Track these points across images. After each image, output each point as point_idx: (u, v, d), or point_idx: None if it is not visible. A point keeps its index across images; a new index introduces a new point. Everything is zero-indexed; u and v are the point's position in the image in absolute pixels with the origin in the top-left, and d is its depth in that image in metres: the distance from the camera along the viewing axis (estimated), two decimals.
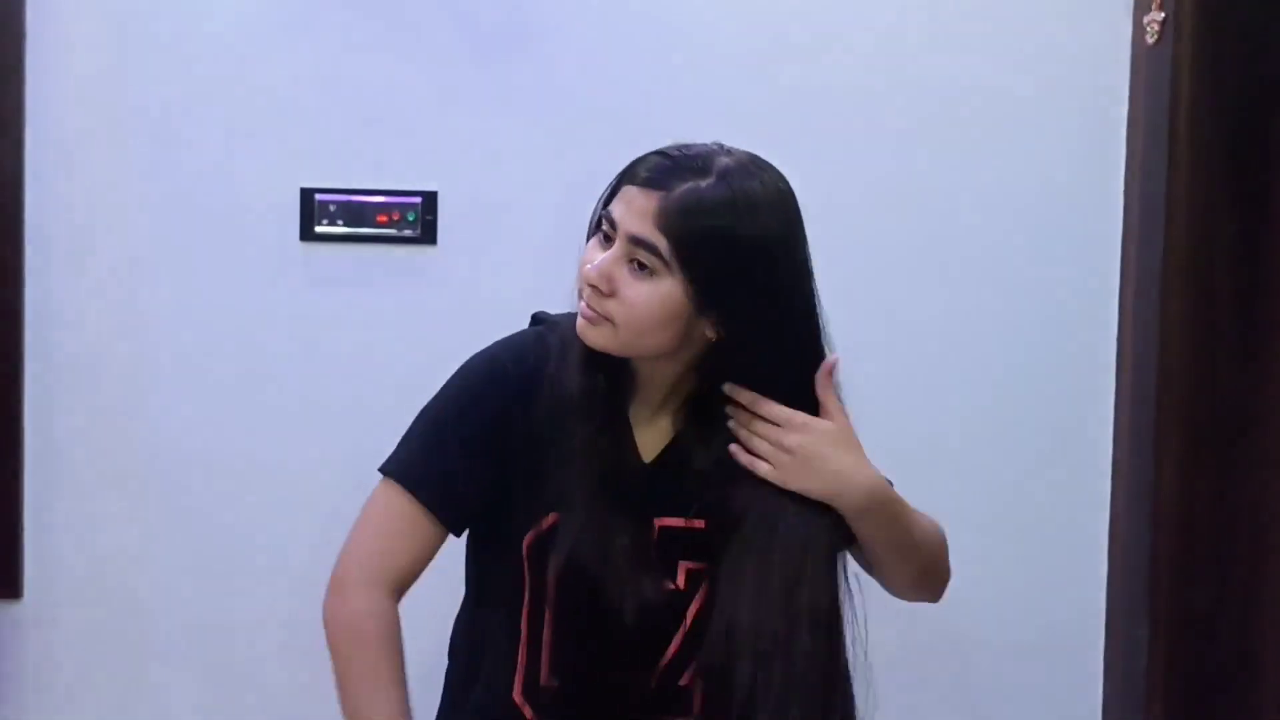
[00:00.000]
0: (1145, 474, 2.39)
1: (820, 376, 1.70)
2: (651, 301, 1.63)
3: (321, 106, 2.50)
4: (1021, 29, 2.52)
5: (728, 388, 1.70)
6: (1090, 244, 2.53)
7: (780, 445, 1.68)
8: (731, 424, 1.71)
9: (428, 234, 2.51)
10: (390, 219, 2.51)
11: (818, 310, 1.71)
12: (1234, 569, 2.35)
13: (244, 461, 2.53)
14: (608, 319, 1.66)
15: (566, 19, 2.51)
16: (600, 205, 1.69)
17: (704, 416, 1.74)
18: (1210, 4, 2.29)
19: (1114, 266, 2.52)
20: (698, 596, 1.75)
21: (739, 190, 1.61)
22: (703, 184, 1.61)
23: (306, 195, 2.50)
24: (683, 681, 1.77)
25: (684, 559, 1.74)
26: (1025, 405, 2.56)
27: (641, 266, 1.63)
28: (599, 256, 1.66)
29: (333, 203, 2.50)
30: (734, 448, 1.71)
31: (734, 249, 1.61)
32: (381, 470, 1.76)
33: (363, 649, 1.70)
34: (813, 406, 1.70)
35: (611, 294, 1.65)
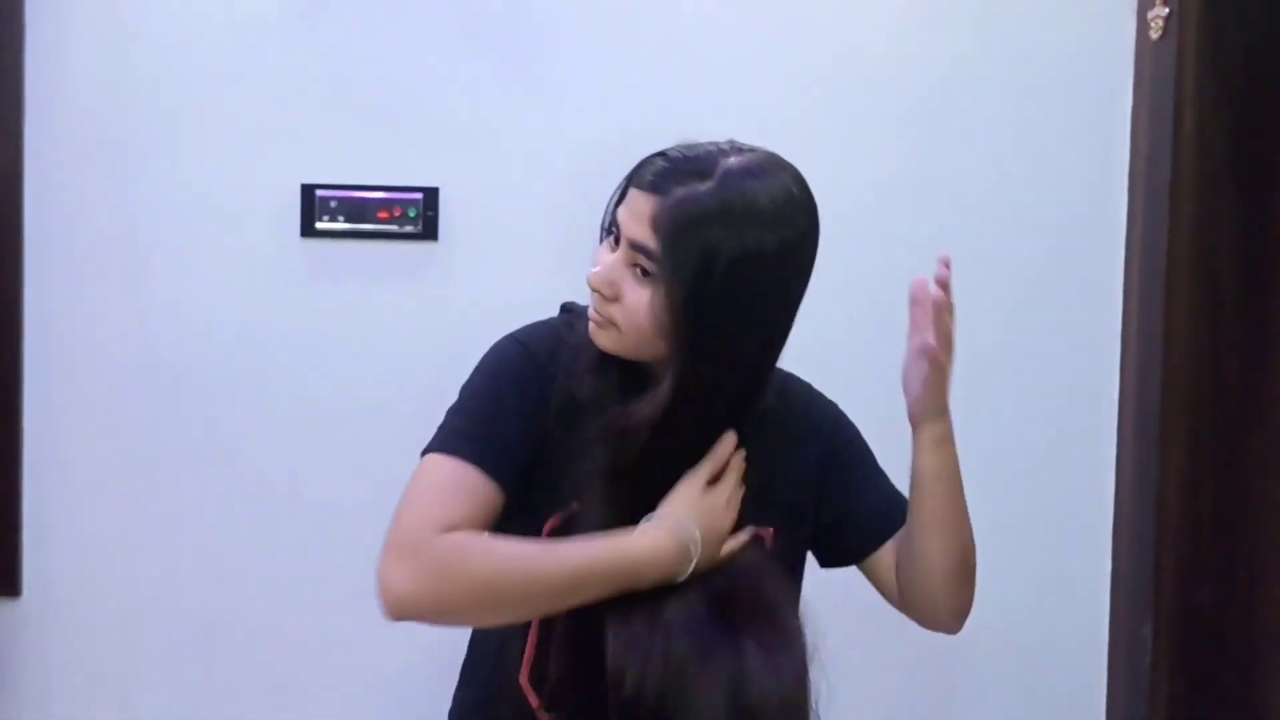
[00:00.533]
0: (1150, 472, 2.38)
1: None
2: (651, 308, 1.60)
3: (322, 102, 2.50)
4: (1026, 24, 2.51)
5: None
6: (1094, 238, 2.52)
7: None
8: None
9: (429, 230, 2.51)
10: (391, 215, 2.50)
11: (784, 335, 1.65)
12: (1238, 567, 2.35)
13: (244, 459, 2.53)
14: (613, 323, 1.64)
15: (568, 15, 2.50)
16: (610, 206, 1.68)
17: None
18: None
19: (1118, 261, 2.52)
20: None
21: (735, 198, 1.56)
22: (700, 189, 1.57)
23: (307, 191, 2.50)
24: None
25: None
26: (1029, 402, 2.55)
27: (644, 272, 1.61)
28: (605, 260, 1.64)
29: (334, 199, 2.50)
30: None
31: (715, 262, 1.56)
32: (424, 452, 1.66)
33: (474, 549, 1.58)
34: (744, 425, 1.67)
35: (615, 298, 1.63)
